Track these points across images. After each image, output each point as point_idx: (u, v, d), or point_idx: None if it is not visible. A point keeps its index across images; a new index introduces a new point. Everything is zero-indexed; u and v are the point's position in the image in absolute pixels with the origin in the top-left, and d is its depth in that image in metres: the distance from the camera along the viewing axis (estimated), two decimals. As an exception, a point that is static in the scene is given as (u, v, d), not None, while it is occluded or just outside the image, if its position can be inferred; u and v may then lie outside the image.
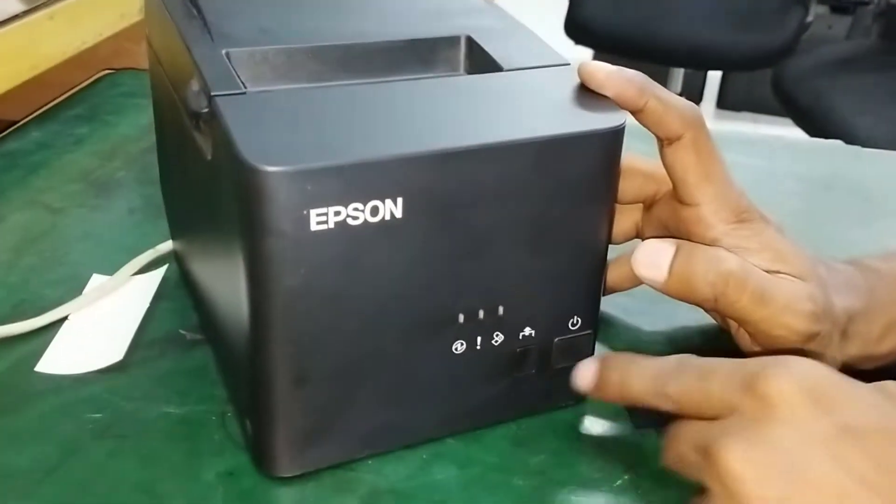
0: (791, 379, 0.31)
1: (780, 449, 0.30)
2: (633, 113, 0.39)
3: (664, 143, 0.40)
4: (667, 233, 0.44)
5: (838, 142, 0.79)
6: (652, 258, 0.40)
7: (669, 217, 0.43)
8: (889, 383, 0.32)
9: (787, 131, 0.86)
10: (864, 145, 0.76)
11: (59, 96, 0.79)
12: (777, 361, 0.32)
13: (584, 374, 0.39)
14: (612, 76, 0.39)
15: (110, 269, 0.53)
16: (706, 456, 0.31)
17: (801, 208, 0.66)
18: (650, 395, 0.36)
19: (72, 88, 0.81)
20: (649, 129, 0.40)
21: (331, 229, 0.34)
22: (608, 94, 0.39)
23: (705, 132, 0.40)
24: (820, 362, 0.32)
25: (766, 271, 0.40)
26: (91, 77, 0.83)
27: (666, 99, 0.39)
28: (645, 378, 0.37)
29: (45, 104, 0.77)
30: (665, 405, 0.35)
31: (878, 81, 1.74)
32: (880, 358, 0.43)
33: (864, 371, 0.43)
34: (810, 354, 0.40)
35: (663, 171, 0.42)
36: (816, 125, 1.63)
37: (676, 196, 0.42)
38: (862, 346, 0.42)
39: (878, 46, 2.04)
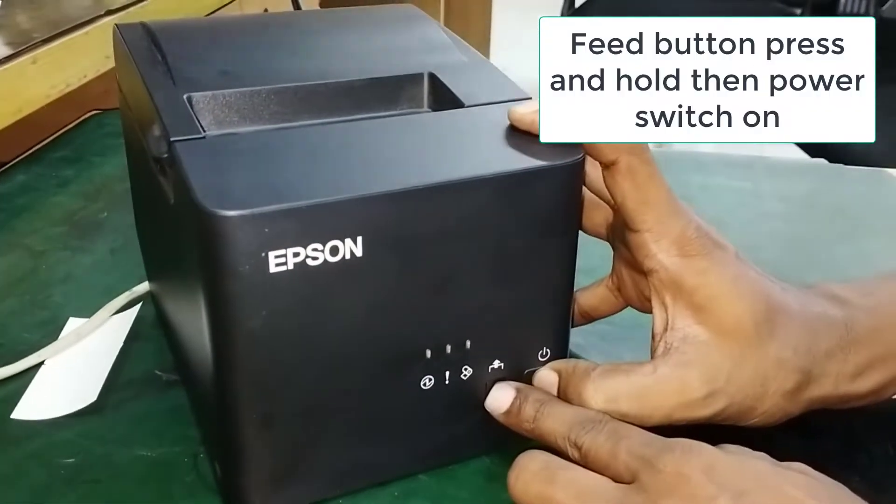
0: (691, 460, 0.33)
1: None
2: None
3: (602, 167, 0.39)
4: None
5: (822, 160, 0.79)
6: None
7: (622, 238, 0.43)
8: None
9: (774, 150, 0.86)
10: (859, 162, 0.76)
11: (47, 137, 0.80)
12: (680, 444, 0.35)
13: (500, 399, 0.40)
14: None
15: (90, 311, 0.53)
16: None
17: (784, 228, 0.66)
18: (560, 438, 0.38)
19: (60, 129, 0.82)
20: (588, 155, 0.39)
21: (290, 270, 0.34)
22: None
23: (642, 157, 0.38)
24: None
25: (670, 328, 0.40)
26: (78, 118, 0.84)
27: None
28: (560, 422, 0.38)
29: (33, 145, 0.78)
30: (571, 452, 0.37)
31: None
32: (857, 397, 0.41)
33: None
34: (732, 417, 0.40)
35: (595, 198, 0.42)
36: (812, 143, 1.63)
37: (621, 220, 0.41)
38: (833, 386, 0.40)
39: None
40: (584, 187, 0.40)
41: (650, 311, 0.45)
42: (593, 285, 0.47)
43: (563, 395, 0.40)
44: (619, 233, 0.43)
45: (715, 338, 0.39)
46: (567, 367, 0.40)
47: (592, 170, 0.40)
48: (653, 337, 0.41)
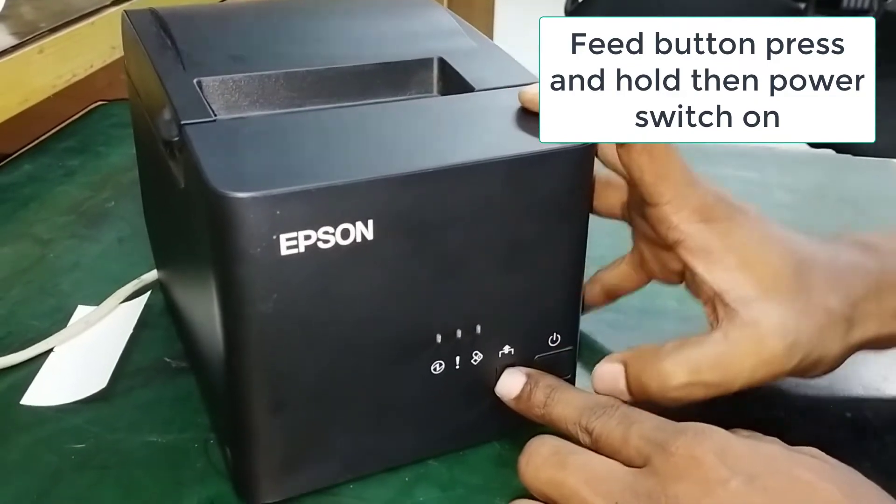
0: (703, 443, 0.33)
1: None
2: None
3: (617, 144, 0.40)
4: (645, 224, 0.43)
5: (829, 151, 0.78)
6: (610, 386, 0.40)
7: (641, 213, 0.43)
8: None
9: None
10: (863, 155, 0.75)
11: (53, 128, 0.80)
12: (692, 427, 0.34)
13: (510, 384, 0.40)
14: None
15: (98, 299, 0.53)
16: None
17: (792, 219, 0.65)
18: (570, 424, 0.38)
19: (66, 120, 0.82)
20: None
21: (301, 253, 0.34)
22: None
23: None
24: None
25: (719, 292, 0.39)
26: (84, 108, 0.84)
27: None
28: (571, 407, 0.38)
29: (39, 136, 0.78)
30: (582, 438, 0.37)
31: (877, 90, 1.73)
32: None
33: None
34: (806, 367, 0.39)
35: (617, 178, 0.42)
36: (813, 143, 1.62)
37: (639, 195, 0.41)
38: (877, 327, 0.40)
39: (877, 55, 2.03)
40: (595, 166, 0.40)
41: (675, 283, 0.45)
42: (614, 263, 0.47)
43: (635, 382, 0.39)
44: (637, 208, 0.43)
45: (766, 294, 0.38)
46: (631, 354, 0.40)
47: (606, 145, 0.40)
48: (706, 306, 0.40)
